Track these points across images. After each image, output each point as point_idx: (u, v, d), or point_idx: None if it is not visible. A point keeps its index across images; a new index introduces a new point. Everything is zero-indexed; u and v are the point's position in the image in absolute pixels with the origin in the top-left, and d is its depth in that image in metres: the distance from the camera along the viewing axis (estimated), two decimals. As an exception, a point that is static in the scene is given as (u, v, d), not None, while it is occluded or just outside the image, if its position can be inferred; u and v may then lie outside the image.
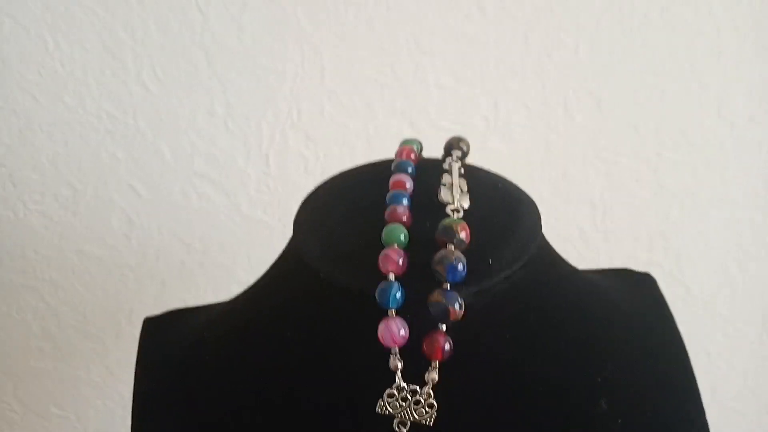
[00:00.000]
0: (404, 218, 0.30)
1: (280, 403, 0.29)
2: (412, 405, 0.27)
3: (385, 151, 0.66)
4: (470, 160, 0.68)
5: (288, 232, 0.72)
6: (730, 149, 0.69)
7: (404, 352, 0.28)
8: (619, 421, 0.34)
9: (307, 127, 0.65)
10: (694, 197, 0.70)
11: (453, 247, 0.28)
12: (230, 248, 0.68)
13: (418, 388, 0.27)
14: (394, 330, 0.27)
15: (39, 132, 0.64)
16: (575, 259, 0.71)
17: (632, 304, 0.39)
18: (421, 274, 0.28)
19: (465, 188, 0.32)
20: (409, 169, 0.33)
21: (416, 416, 0.27)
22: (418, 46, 0.64)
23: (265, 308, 0.33)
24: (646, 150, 0.69)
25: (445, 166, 0.34)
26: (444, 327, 0.27)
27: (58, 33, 0.61)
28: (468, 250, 0.29)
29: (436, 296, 0.27)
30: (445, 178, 0.33)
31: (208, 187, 0.66)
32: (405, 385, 0.27)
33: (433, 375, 0.27)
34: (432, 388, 0.27)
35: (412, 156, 0.34)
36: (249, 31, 0.62)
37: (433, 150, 0.66)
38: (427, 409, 0.27)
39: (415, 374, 0.27)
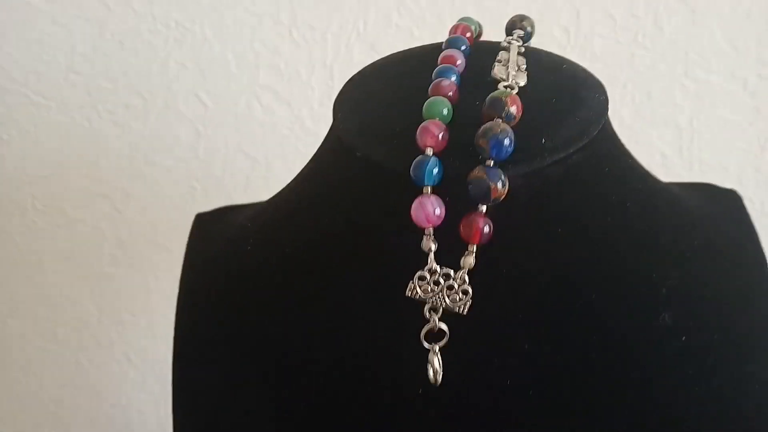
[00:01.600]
0: (449, 93, 0.26)
1: (312, 288, 0.28)
2: (445, 290, 0.24)
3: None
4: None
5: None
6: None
7: (440, 233, 0.25)
8: (683, 339, 0.30)
9: (373, 38, 0.62)
10: (796, 125, 0.63)
11: (500, 121, 0.25)
12: (293, 164, 0.66)
13: (452, 271, 0.25)
14: (429, 208, 0.24)
15: (111, 40, 0.63)
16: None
17: (710, 214, 0.35)
18: (463, 152, 0.25)
19: (523, 66, 0.29)
20: (462, 47, 0.30)
21: (449, 302, 0.24)
22: (494, -51, 0.59)
23: (304, 193, 0.31)
24: (744, 69, 0.62)
25: (503, 43, 0.30)
26: (484, 208, 0.24)
27: (127, -61, 0.60)
28: (519, 127, 0.25)
29: (477, 172, 0.24)
30: (502, 54, 0.29)
31: (272, 99, 0.65)
32: (438, 267, 0.24)
33: (470, 259, 0.24)
34: (468, 273, 0.24)
35: (468, 34, 0.31)
36: (316, -66, 0.59)
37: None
38: (461, 295, 0.24)
39: (450, 258, 0.25)
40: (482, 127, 0.24)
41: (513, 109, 0.25)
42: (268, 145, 0.67)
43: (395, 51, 0.62)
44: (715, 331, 0.31)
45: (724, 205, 0.37)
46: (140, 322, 0.74)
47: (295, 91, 0.64)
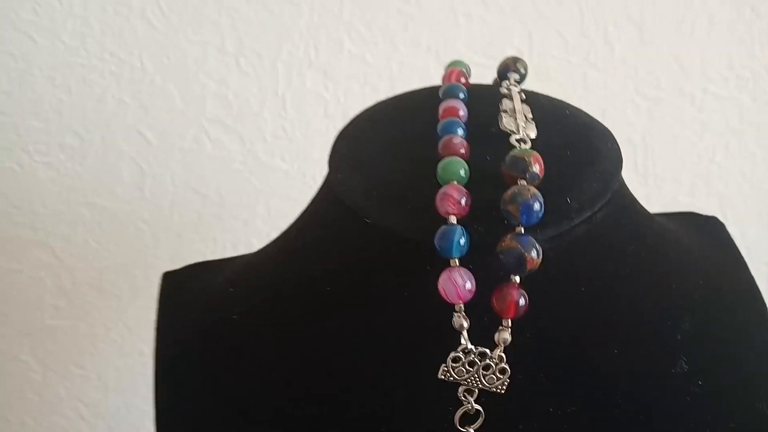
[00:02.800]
0: (462, 150, 0.24)
1: (322, 375, 0.25)
2: (481, 370, 0.22)
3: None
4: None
5: (309, 181, 0.66)
6: (782, 82, 0.63)
7: (469, 309, 0.23)
8: (700, 383, 0.29)
9: (325, 65, 0.60)
10: (741, 138, 0.65)
11: (525, 182, 0.23)
12: (248, 198, 0.64)
13: (488, 350, 0.22)
14: (459, 282, 0.22)
15: (39, 76, 0.58)
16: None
17: (703, 248, 0.34)
18: (486, 217, 0.23)
19: (529, 115, 0.27)
20: (461, 95, 0.28)
21: (486, 383, 0.22)
22: (445, -27, 0.58)
23: (300, 259, 0.28)
24: (691, 85, 0.63)
25: (503, 90, 0.28)
26: (517, 278, 0.22)
27: (53, -33, 0.55)
28: (542, 188, 0.23)
29: (508, 242, 0.22)
30: (505, 103, 0.27)
31: (221, 133, 0.61)
32: (473, 347, 0.22)
33: (505, 335, 0.22)
34: (503, 351, 0.22)
35: (462, 80, 0.29)
36: (260, -41, 0.56)
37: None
38: (498, 374, 0.22)
39: (481, 335, 0.23)
40: (509, 192, 0.22)
41: (536, 169, 0.23)
42: (220, 180, 0.63)
43: (350, 78, 0.61)
44: (726, 372, 0.30)
45: (711, 235, 0.37)
46: (90, 375, 0.69)
47: (246, 123, 0.61)
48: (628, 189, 0.30)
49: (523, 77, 0.31)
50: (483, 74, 0.61)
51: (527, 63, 0.31)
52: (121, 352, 0.68)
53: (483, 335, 0.23)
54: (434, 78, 0.61)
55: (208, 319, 0.32)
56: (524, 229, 0.22)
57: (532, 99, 0.29)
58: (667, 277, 0.29)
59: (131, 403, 0.70)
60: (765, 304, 0.34)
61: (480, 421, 0.23)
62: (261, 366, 0.28)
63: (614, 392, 0.27)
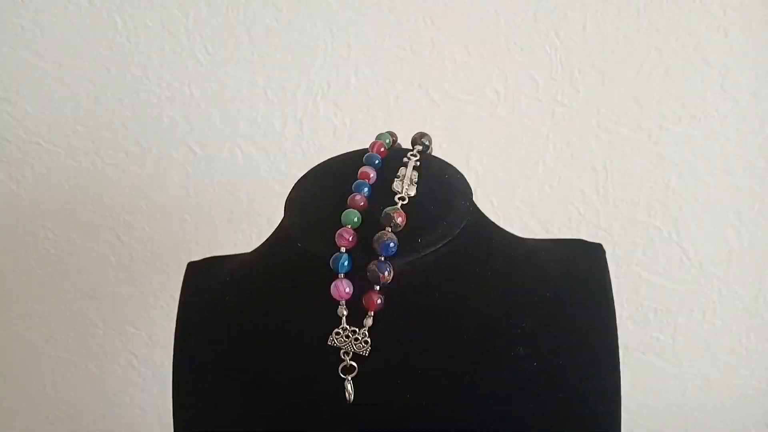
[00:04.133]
0: (361, 204, 0.40)
1: (267, 334, 0.41)
2: (353, 341, 0.38)
3: (403, 119, 0.76)
4: (480, 128, 0.76)
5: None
6: (731, 123, 0.74)
7: (351, 304, 0.39)
8: (535, 364, 0.44)
9: (335, 97, 0.76)
10: (693, 168, 0.76)
11: (390, 229, 0.38)
12: (270, 200, 0.81)
13: (357, 329, 0.39)
14: (341, 288, 0.38)
15: (111, 98, 0.77)
16: (576, 219, 0.80)
17: (567, 268, 0.48)
18: (366, 248, 0.39)
19: (415, 179, 0.42)
20: (376, 162, 0.43)
21: (356, 348, 0.38)
22: (434, 23, 0.73)
23: (263, 264, 0.45)
24: (648, 122, 0.75)
25: (405, 159, 0.44)
26: (378, 287, 0.38)
27: (125, 13, 0.73)
28: (405, 230, 0.39)
29: (371, 265, 0.38)
30: (401, 171, 0.43)
31: (251, 147, 0.78)
32: (348, 326, 0.38)
33: (368, 321, 0.39)
34: (367, 331, 0.38)
35: (382, 149, 0.44)
36: (285, 11, 0.72)
37: (446, 120, 0.75)
38: (363, 344, 0.38)
39: (358, 320, 0.39)
40: (376, 235, 0.38)
41: (399, 220, 0.39)
42: (249, 184, 0.80)
43: (355, 107, 0.76)
44: (560, 358, 0.45)
45: (584, 259, 0.51)
46: (141, 334, 0.88)
47: (270, 140, 0.78)
48: (485, 223, 0.44)
49: (426, 147, 0.46)
50: (466, 109, 0.75)
51: (431, 137, 0.46)
52: (166, 317, 0.86)
53: (358, 319, 0.39)
54: (423, 109, 0.76)
55: (212, 301, 0.49)
56: (383, 258, 0.38)
57: (427, 163, 0.44)
58: (514, 291, 0.44)
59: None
60: (610, 314, 0.47)
61: (354, 372, 0.39)
62: (239, 333, 0.45)
63: (463, 362, 0.42)
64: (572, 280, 0.48)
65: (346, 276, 0.39)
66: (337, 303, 0.39)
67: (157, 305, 0.86)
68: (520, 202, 0.79)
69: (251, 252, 0.50)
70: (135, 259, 0.84)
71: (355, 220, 0.39)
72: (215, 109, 0.77)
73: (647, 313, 0.82)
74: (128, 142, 0.79)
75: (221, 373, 0.46)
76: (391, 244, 0.38)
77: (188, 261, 0.85)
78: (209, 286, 0.51)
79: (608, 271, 0.50)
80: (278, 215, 0.83)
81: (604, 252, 0.52)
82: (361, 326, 0.39)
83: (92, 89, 0.76)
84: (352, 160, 0.45)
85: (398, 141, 0.48)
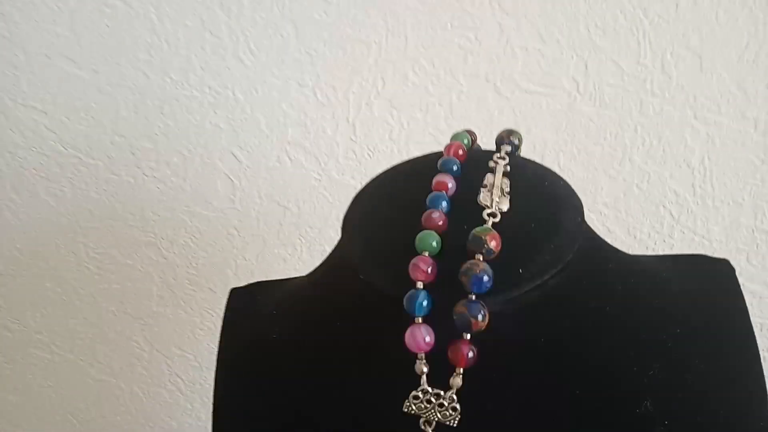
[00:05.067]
0: (440, 223, 0.30)
1: (321, 393, 0.32)
2: (437, 407, 0.28)
3: (468, 119, 0.65)
4: (557, 124, 0.65)
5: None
6: None
7: (432, 356, 0.29)
8: (666, 423, 0.33)
9: (391, 95, 0.66)
10: (809, 161, 0.64)
11: (481, 257, 0.28)
12: (321, 211, 0.71)
13: (442, 392, 0.28)
14: (419, 337, 0.28)
15: (151, 106, 0.69)
16: (668, 223, 0.68)
17: (695, 297, 0.37)
18: (451, 282, 0.29)
19: (507, 189, 0.32)
20: (454, 168, 0.33)
21: (441, 417, 0.28)
22: (501, 7, 0.62)
23: (317, 298, 0.35)
24: (753, 110, 0.63)
25: (491, 164, 0.33)
26: (468, 336, 0.28)
27: (162, 13, 0.65)
28: (500, 258, 0.29)
29: (459, 307, 0.28)
30: (488, 178, 0.32)
31: (300, 154, 0.69)
32: (429, 388, 0.28)
33: (457, 380, 0.28)
34: (456, 393, 0.28)
35: (460, 152, 0.34)
36: (334, 3, 0.63)
37: (517, 116, 0.64)
38: (450, 411, 0.28)
39: (442, 377, 0.28)
40: (464, 266, 0.28)
41: (492, 245, 0.28)
42: (298, 194, 0.71)
43: (412, 106, 0.66)
44: (698, 413, 0.34)
45: (712, 279, 0.39)
46: (187, 356, 0.80)
47: (321, 146, 0.69)
48: (599, 245, 0.34)
49: (516, 148, 0.35)
50: (540, 103, 0.65)
51: (522, 135, 0.36)
52: (213, 338, 0.78)
53: (443, 378, 0.28)
54: (491, 106, 0.65)
55: (257, 334, 0.40)
56: (475, 296, 0.28)
57: (518, 168, 0.34)
58: (637, 326, 0.33)
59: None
60: (756, 353, 0.36)
61: (439, 447, 0.29)
62: (286, 382, 0.35)
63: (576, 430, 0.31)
64: (705, 312, 0.37)
65: (425, 320, 0.29)
66: (414, 356, 0.29)
67: (204, 325, 0.78)
68: (603, 206, 0.68)
69: (303, 278, 0.40)
70: (179, 277, 0.76)
71: (434, 245, 0.29)
72: (261, 114, 0.68)
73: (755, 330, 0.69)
74: (170, 152, 0.70)
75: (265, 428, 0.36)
76: (485, 278, 0.27)
77: (235, 278, 0.77)
78: (254, 318, 0.42)
79: (743, 297, 0.39)
80: (330, 227, 0.74)
81: (733, 270, 0.41)
82: (447, 387, 0.28)
83: (131, 97, 0.68)
84: (423, 168, 0.35)
85: (477, 142, 0.38)
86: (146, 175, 0.71)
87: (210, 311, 0.78)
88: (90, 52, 0.66)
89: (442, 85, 0.65)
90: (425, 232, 0.29)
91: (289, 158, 0.69)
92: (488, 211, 0.30)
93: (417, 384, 0.29)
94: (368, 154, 0.68)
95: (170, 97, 0.68)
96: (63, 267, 0.77)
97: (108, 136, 0.70)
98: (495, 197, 0.31)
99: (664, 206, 0.67)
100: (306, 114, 0.67)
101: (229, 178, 0.71)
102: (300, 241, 0.73)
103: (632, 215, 0.68)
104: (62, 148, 0.71)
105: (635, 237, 0.69)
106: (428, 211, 0.30)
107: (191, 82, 0.67)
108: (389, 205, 0.33)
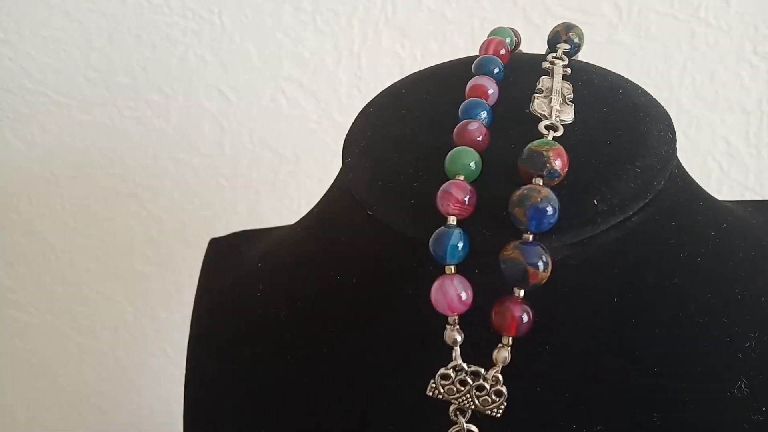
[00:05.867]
0: (479, 138, 0.21)
1: (315, 371, 0.23)
2: (474, 391, 0.20)
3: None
4: (595, 58, 0.56)
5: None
6: None
7: (468, 320, 0.20)
8: (764, 409, 0.25)
9: (402, 22, 0.56)
10: None
11: (541, 181, 0.19)
12: (322, 158, 0.63)
13: (482, 370, 0.20)
14: (452, 293, 0.19)
15: (127, 35, 0.59)
16: (716, 177, 0.59)
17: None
18: (495, 217, 0.20)
19: (570, 95, 0.23)
20: (495, 70, 0.24)
21: (480, 405, 0.20)
22: None
23: (311, 247, 0.26)
24: (825, 43, 0.54)
25: (545, 65, 0.24)
26: (522, 292, 0.19)
27: (137, -76, 0.55)
28: (565, 185, 0.20)
29: (510, 251, 0.19)
30: (543, 81, 0.23)
31: (297, 92, 0.60)
32: (465, 365, 0.20)
33: (504, 354, 0.19)
34: (501, 372, 0.20)
35: (502, 51, 0.25)
36: None
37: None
38: (494, 397, 0.20)
39: (481, 350, 0.20)
40: (517, 193, 0.19)
41: (557, 164, 0.19)
42: (295, 139, 0.62)
43: (428, 36, 0.57)
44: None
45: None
46: (175, 318, 0.72)
47: (321, 82, 0.59)
48: (688, 181, 0.25)
49: (576, 48, 0.26)
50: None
51: (582, 31, 0.27)
52: (203, 301, 0.70)
53: (482, 351, 0.20)
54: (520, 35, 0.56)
55: (237, 291, 0.32)
56: (533, 236, 0.19)
57: (581, 73, 0.25)
58: (731, 285, 0.24)
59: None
60: None
61: (475, 443, 0.20)
62: (273, 349, 0.27)
63: (647, 421, 0.23)
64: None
65: (459, 270, 0.20)
66: (444, 319, 0.20)
67: (191, 285, 0.69)
68: (642, 156, 0.59)
69: (296, 224, 0.32)
70: (163, 232, 0.67)
71: (472, 166, 0.20)
72: (252, 44, 0.58)
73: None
74: (150, 89, 0.61)
75: (254, 402, 0.28)
76: (549, 209, 0.19)
77: (225, 233, 0.69)
78: (235, 273, 0.33)
79: None
80: (332, 177, 0.65)
81: None
82: (488, 364, 0.20)
83: (104, 24, 0.59)
84: (452, 73, 0.26)
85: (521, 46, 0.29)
86: (124, 116, 0.63)
87: (197, 269, 0.69)
88: (56, -29, 0.57)
89: (462, 9, 0.55)
90: (459, 148, 0.21)
91: (285, 97, 0.60)
92: (546, 122, 0.21)
93: (447, 359, 0.20)
94: (375, 93, 0.59)
95: (148, 24, 0.59)
96: (37, 220, 0.69)
97: (80, 71, 0.61)
98: (555, 105, 0.22)
99: (713, 157, 0.58)
100: (303, 44, 0.58)
101: (217, 119, 0.62)
102: (297, 192, 0.65)
103: (675, 165, 0.59)
104: (29, 84, 0.62)
105: (677, 190, 0.60)
106: (463, 122, 0.21)
107: (171, 5, 0.58)
108: (406, 120, 0.24)
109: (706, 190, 0.60)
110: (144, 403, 0.77)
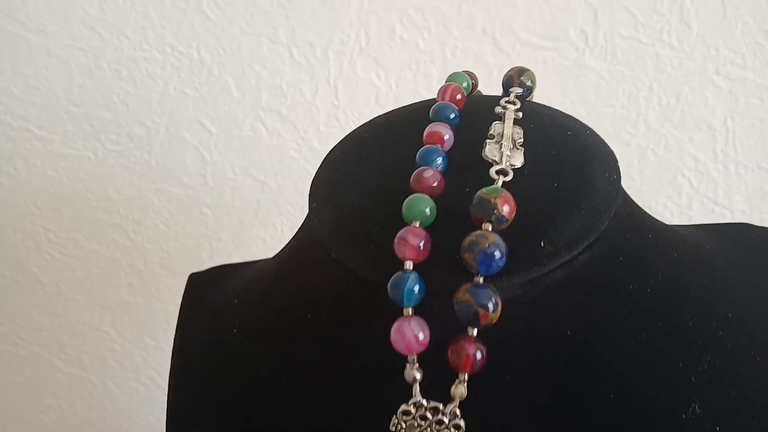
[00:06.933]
0: (434, 184, 0.23)
1: (285, 405, 0.24)
2: (434, 425, 0.21)
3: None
4: (563, 82, 0.58)
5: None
6: None
7: (427, 357, 0.21)
8: (717, 428, 0.26)
9: (377, 53, 0.58)
10: None
11: (490, 227, 0.21)
12: (303, 186, 0.63)
13: (440, 405, 0.21)
14: (409, 335, 0.20)
15: (108, 70, 0.61)
16: (686, 193, 0.61)
17: (745, 273, 0.30)
18: (449, 261, 0.21)
19: (520, 140, 0.24)
20: (451, 115, 0.25)
21: (439, 438, 0.21)
22: (501, -49, 0.54)
23: (284, 284, 0.28)
24: (784, 63, 0.56)
25: (498, 110, 0.26)
26: (475, 331, 0.21)
27: (115, -36, 0.57)
28: (514, 227, 0.21)
29: (462, 294, 0.20)
30: (495, 127, 0.25)
31: (276, 122, 0.61)
32: (424, 401, 0.21)
33: (461, 389, 0.21)
34: (459, 405, 0.21)
35: (458, 96, 0.26)
36: (309, -53, 0.55)
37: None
38: (452, 430, 0.21)
39: (441, 385, 0.21)
40: (467, 240, 0.20)
41: (505, 210, 0.21)
42: (277, 167, 0.64)
43: (401, 65, 0.59)
44: (756, 415, 0.27)
45: (760, 251, 0.33)
46: (163, 347, 0.73)
47: (299, 112, 0.61)
48: (636, 213, 0.26)
49: (528, 91, 0.28)
50: (544, 58, 0.57)
51: (534, 75, 0.28)
52: (190, 329, 0.71)
53: (441, 386, 0.21)
54: (489, 63, 0.58)
55: (215, 329, 0.33)
56: (483, 278, 0.20)
57: (532, 117, 0.26)
58: (681, 313, 0.26)
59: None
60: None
61: (437, 476, 0.21)
62: (249, 384, 0.28)
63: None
64: (757, 290, 0.30)
65: (417, 311, 0.21)
66: (403, 359, 0.22)
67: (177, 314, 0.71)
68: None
69: (271, 260, 0.33)
70: (149, 262, 0.68)
71: (427, 212, 0.22)
72: (230, 76, 0.60)
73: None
74: (131, 122, 0.63)
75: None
76: (497, 254, 0.20)
77: (210, 262, 0.70)
78: (213, 310, 0.34)
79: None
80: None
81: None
82: (446, 399, 0.21)
83: (84, 60, 0.60)
84: (410, 118, 0.28)
85: (478, 87, 0.30)
86: (107, 149, 0.64)
87: (184, 298, 0.70)
88: (35, 10, 0.58)
89: (434, 39, 0.57)
90: (415, 195, 0.22)
91: (265, 127, 0.62)
92: (497, 167, 0.23)
93: (408, 395, 0.21)
94: (353, 121, 0.61)
95: (127, 60, 0.60)
96: (22, 254, 0.70)
97: (62, 106, 0.62)
98: (505, 150, 0.23)
99: (682, 174, 0.60)
100: (281, 76, 0.59)
101: (199, 150, 0.63)
102: (280, 220, 0.66)
103: (647, 184, 0.61)
104: (12, 120, 0.63)
105: (650, 208, 0.61)
106: (419, 170, 0.23)
107: (150, 42, 0.59)
108: (367, 166, 0.26)
109: (677, 205, 0.62)
110: (134, 432, 0.78)
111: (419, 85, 0.59)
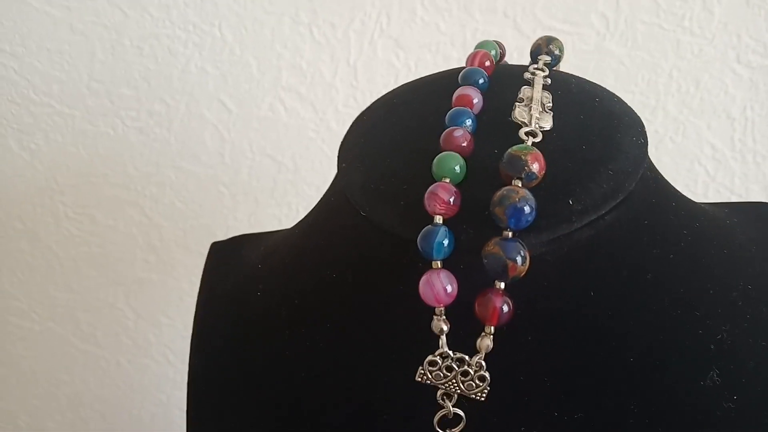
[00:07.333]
0: (463, 144, 0.23)
1: (319, 352, 0.25)
2: (459, 376, 0.21)
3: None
4: (583, 67, 0.58)
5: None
6: None
7: (453, 311, 0.22)
8: (735, 398, 0.26)
9: (397, 34, 0.58)
10: None
11: (520, 183, 0.21)
12: (320, 166, 0.64)
13: (466, 357, 0.21)
14: (438, 286, 0.21)
15: (130, 47, 0.61)
16: (703, 181, 0.61)
17: (764, 247, 0.30)
18: (478, 217, 0.22)
19: (549, 104, 0.25)
20: (480, 80, 0.26)
21: (465, 389, 0.22)
22: (524, -66, 0.54)
23: (308, 248, 0.28)
24: (806, 51, 0.56)
25: (527, 75, 0.26)
26: (502, 285, 0.21)
27: (140, -60, 0.57)
28: (543, 186, 0.22)
29: (491, 247, 0.21)
30: (524, 91, 0.25)
31: (296, 101, 0.62)
32: (450, 352, 0.21)
33: (487, 342, 0.21)
34: (484, 358, 0.21)
35: (487, 63, 0.27)
36: (333, -74, 0.55)
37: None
38: (477, 381, 0.21)
39: (466, 338, 0.22)
40: (497, 194, 0.21)
41: (535, 167, 0.21)
42: (294, 147, 0.64)
43: (421, 47, 0.59)
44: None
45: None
46: (176, 324, 0.74)
47: (318, 92, 0.61)
48: (661, 183, 0.27)
49: (556, 60, 0.28)
50: (565, 42, 0.58)
51: (563, 44, 0.28)
52: (204, 306, 0.72)
53: (467, 340, 0.22)
54: (510, 46, 0.58)
55: (238, 292, 0.33)
56: (513, 233, 0.21)
57: (561, 83, 0.27)
58: (703, 281, 0.26)
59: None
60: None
61: (462, 425, 0.22)
62: (272, 346, 0.28)
63: (627, 406, 0.25)
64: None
65: (445, 265, 0.22)
66: (431, 310, 0.22)
67: (192, 291, 0.71)
68: (631, 162, 0.61)
69: (294, 227, 0.34)
70: (165, 240, 0.69)
71: (457, 169, 0.22)
72: (252, 56, 0.60)
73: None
74: (152, 99, 0.63)
75: (253, 400, 0.30)
76: (526, 209, 0.21)
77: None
78: (236, 275, 0.35)
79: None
80: (330, 182, 0.68)
81: None
82: (472, 351, 0.22)
83: (107, 37, 0.61)
84: (439, 84, 0.28)
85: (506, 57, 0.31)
86: (127, 125, 0.64)
87: (198, 276, 0.71)
88: (61, -14, 0.59)
89: (455, 21, 0.57)
90: (445, 153, 0.22)
91: (284, 107, 0.62)
92: (526, 129, 0.23)
93: (435, 347, 0.22)
94: (371, 102, 0.61)
95: (150, 36, 0.60)
96: (40, 228, 0.70)
97: (84, 82, 0.63)
98: (534, 113, 0.24)
99: (699, 162, 0.60)
100: (302, 55, 0.60)
101: (218, 129, 0.64)
102: (296, 200, 0.66)
103: (664, 171, 0.60)
104: (34, 95, 0.64)
105: (666, 195, 0.62)
106: (449, 129, 0.23)
107: (173, 19, 0.59)
108: (397, 128, 0.26)
109: (693, 193, 0.63)
110: (146, 409, 0.79)
111: (439, 67, 0.59)
